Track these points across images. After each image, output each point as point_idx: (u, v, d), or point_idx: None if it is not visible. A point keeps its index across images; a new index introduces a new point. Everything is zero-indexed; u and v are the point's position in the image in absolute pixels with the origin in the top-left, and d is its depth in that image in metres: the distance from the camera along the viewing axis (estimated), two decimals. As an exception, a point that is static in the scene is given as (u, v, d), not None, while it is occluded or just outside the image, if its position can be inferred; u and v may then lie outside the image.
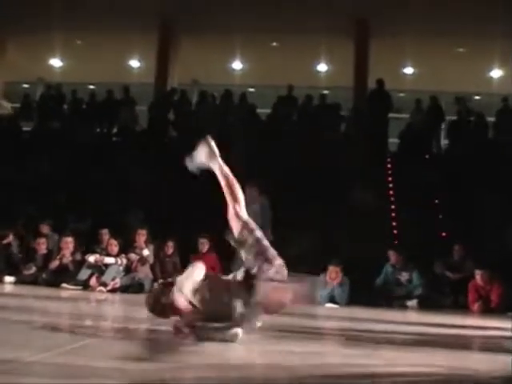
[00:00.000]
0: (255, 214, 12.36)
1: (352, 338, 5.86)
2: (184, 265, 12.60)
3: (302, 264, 11.77)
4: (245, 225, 5.27)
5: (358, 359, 4.49)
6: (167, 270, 12.49)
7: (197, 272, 5.10)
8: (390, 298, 12.09)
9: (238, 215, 5.36)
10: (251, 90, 22.57)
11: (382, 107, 17.65)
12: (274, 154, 16.19)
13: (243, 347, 4.67)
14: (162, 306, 5.03)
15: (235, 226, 5.29)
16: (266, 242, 5.18)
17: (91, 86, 22.88)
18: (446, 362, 4.51)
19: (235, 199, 5.47)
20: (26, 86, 24.79)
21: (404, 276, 12.33)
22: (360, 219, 13.95)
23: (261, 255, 5.05)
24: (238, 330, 4.75)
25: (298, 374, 3.69)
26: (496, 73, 22.62)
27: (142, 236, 12.59)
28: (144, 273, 12.20)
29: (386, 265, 12.55)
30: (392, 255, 12.49)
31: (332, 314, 9.52)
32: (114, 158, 16.81)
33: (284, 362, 4.10)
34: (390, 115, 18.24)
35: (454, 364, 4.45)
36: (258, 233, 5.22)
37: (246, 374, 3.66)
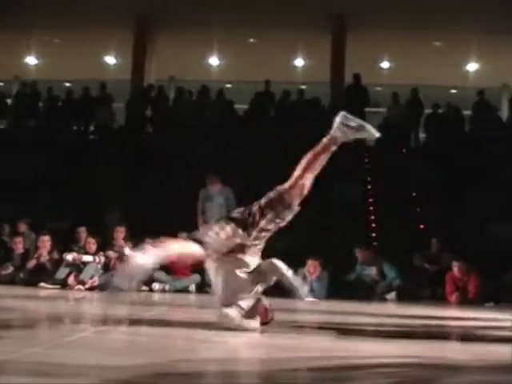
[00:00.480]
0: (220, 207, 12.48)
1: (330, 330, 5.86)
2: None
3: (282, 259, 11.85)
4: None
5: (337, 352, 4.49)
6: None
7: None
8: (367, 291, 12.14)
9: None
10: (228, 85, 22.56)
11: (358, 102, 17.66)
12: (253, 150, 16.17)
13: (223, 340, 4.67)
14: None
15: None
16: None
17: (67, 84, 22.74)
18: (424, 353, 4.53)
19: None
20: (0, 84, 24.59)
21: (372, 270, 12.38)
22: (338, 213, 14.00)
23: None
24: None
25: (277, 367, 3.69)
26: (472, 66, 22.73)
27: (120, 233, 12.52)
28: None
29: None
30: (358, 253, 12.53)
31: (310, 308, 9.53)
32: (92, 156, 16.72)
33: (264, 356, 4.09)
34: (368, 109, 18.25)
35: (431, 354, 4.47)
36: None
37: (224, 368, 3.65)
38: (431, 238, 13.07)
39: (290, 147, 15.62)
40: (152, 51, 21.82)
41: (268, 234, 5.45)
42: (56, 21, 19.95)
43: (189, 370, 3.46)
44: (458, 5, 18.61)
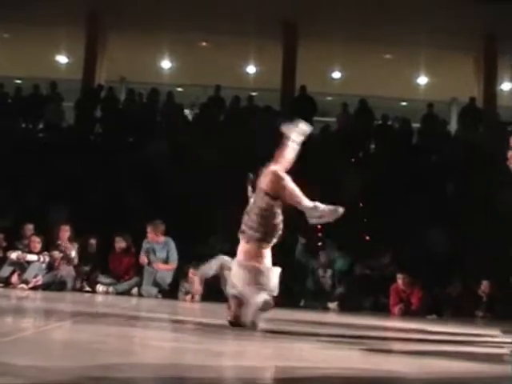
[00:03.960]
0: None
1: (271, 338, 5.89)
2: (106, 263, 12.60)
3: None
4: None
5: (275, 361, 4.53)
6: (89, 268, 12.46)
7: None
8: (312, 299, 12.24)
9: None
10: (179, 89, 22.53)
11: (306, 110, 17.81)
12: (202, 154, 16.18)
13: (160, 345, 4.68)
14: None
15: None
16: None
17: (17, 81, 22.46)
18: (363, 365, 4.58)
19: None
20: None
21: (327, 275, 12.51)
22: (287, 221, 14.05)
23: None
24: None
25: (213, 374, 3.72)
26: (422, 80, 23.03)
27: (65, 232, 12.43)
28: (66, 270, 12.06)
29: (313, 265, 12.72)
30: (322, 256, 12.67)
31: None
32: (40, 154, 16.55)
33: (201, 362, 4.11)
34: (316, 119, 18.38)
35: (370, 366, 4.52)
36: None
37: (157, 375, 3.66)
38: (376, 248, 13.21)
39: (237, 153, 15.75)
40: (104, 52, 21.67)
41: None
42: (7, 16, 19.67)
43: (124, 374, 3.45)
44: (409, 19, 18.86)
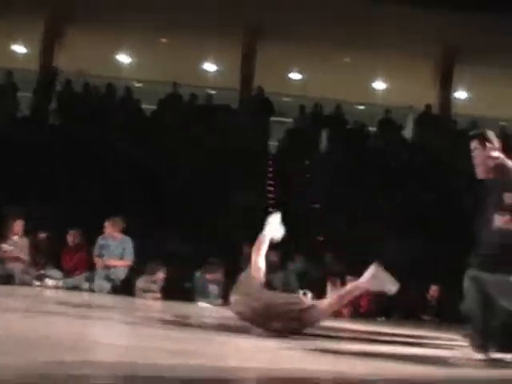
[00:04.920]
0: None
1: (218, 335, 5.88)
2: (57, 257, 12.50)
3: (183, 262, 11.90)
4: None
5: (221, 360, 4.51)
6: (40, 262, 12.34)
7: None
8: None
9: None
10: (138, 84, 22.40)
11: (263, 111, 17.88)
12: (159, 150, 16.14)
13: (111, 342, 4.63)
14: None
15: None
16: None
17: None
18: (313, 365, 4.58)
19: None
20: None
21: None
22: (241, 219, 14.09)
23: None
24: None
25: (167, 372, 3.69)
26: (380, 85, 23.18)
27: (16, 227, 12.29)
28: (15, 264, 11.92)
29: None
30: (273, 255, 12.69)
31: (207, 314, 9.56)
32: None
33: (153, 360, 4.09)
34: (274, 119, 18.44)
35: (320, 367, 4.52)
36: None
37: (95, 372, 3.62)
38: (328, 249, 13.29)
39: (196, 151, 15.76)
40: (62, 43, 21.45)
41: None
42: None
43: (74, 371, 3.41)
44: (370, 24, 19.00)
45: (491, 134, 6.16)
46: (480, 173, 5.96)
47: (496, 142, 6.06)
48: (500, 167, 5.85)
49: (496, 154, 5.84)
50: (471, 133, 6.34)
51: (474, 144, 6.13)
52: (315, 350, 5.35)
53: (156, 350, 4.57)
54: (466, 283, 5.49)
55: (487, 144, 6.05)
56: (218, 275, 11.81)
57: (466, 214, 6.35)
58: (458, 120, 20.10)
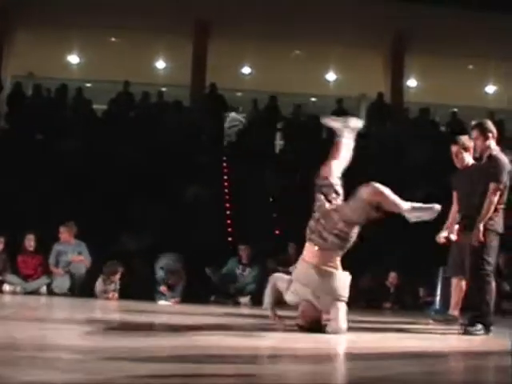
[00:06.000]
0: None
1: (186, 331, 5.88)
2: (14, 262, 12.36)
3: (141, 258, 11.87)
4: None
5: (185, 351, 4.52)
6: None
7: None
8: (224, 293, 12.24)
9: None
10: (88, 84, 22.20)
11: (216, 106, 17.89)
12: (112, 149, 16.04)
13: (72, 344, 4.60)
14: None
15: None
16: None
17: None
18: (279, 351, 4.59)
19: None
20: None
21: (247, 272, 12.53)
22: (196, 216, 14.07)
23: None
24: None
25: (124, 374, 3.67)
26: (331, 76, 23.24)
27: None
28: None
29: (232, 259, 12.70)
30: (243, 250, 12.65)
31: (165, 310, 9.55)
32: None
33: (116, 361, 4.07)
34: (227, 115, 18.45)
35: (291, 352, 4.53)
36: None
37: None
38: (287, 242, 13.27)
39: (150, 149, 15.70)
40: (10, 47, 21.17)
41: None
42: None
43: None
44: (319, 16, 19.08)
45: (489, 124, 6.59)
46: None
47: (495, 132, 6.56)
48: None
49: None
50: (472, 123, 6.80)
51: (474, 133, 6.64)
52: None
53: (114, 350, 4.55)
54: None
55: (488, 134, 6.75)
56: (177, 274, 11.76)
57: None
58: (409, 108, 20.26)
